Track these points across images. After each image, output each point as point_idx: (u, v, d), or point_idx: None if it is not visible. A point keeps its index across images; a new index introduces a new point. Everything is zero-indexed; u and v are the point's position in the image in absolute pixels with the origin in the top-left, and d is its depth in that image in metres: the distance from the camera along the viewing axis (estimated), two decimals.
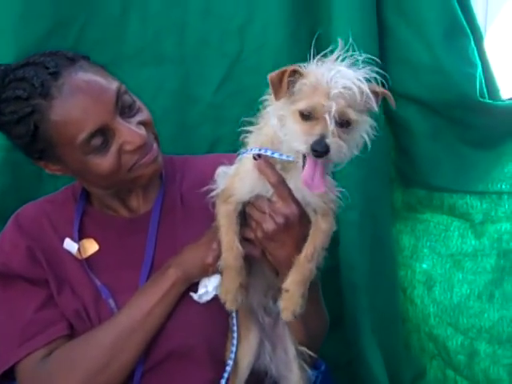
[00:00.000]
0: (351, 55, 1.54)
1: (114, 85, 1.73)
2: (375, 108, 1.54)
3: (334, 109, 1.44)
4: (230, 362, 1.80)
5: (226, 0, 2.28)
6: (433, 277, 2.33)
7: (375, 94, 1.53)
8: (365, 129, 1.56)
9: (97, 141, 1.68)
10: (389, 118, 2.36)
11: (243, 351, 1.85)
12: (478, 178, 2.22)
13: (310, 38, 2.25)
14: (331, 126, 1.45)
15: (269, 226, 1.65)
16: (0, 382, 1.79)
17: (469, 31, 2.15)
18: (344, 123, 1.49)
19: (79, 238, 1.86)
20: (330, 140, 1.45)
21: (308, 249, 1.67)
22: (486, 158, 2.21)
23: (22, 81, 1.67)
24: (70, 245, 1.84)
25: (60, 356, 1.74)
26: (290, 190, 1.64)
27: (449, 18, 2.12)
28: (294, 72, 1.51)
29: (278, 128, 1.55)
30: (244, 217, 1.72)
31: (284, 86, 1.50)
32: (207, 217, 1.76)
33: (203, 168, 1.96)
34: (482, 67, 2.18)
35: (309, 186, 1.52)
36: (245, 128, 1.70)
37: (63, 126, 1.66)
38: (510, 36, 2.73)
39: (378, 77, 1.56)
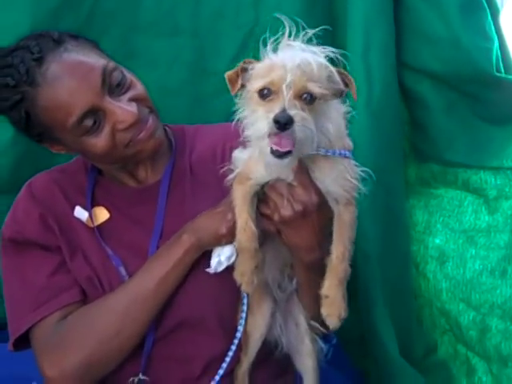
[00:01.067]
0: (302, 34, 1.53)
1: (100, 63, 1.73)
2: (342, 88, 1.51)
3: (289, 80, 1.40)
4: (239, 335, 1.82)
5: None
6: (446, 252, 2.32)
7: (341, 74, 1.50)
8: (337, 113, 1.55)
9: (88, 122, 1.70)
10: (404, 93, 2.36)
11: (256, 323, 1.87)
12: (492, 153, 2.20)
13: (326, 8, 2.29)
14: (290, 98, 1.40)
15: (286, 211, 1.65)
16: (15, 347, 1.83)
17: (486, 5, 2.14)
18: (307, 98, 1.44)
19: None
20: (293, 112, 1.40)
21: (337, 249, 1.66)
22: (501, 134, 2.19)
23: (10, 67, 1.69)
24: (80, 213, 1.88)
25: (73, 321, 1.77)
26: (310, 178, 1.63)
27: None
28: (249, 63, 1.52)
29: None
30: (263, 193, 1.71)
31: (239, 78, 1.52)
32: (216, 186, 1.79)
33: (213, 136, 2.00)
34: (498, 42, 2.16)
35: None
36: None
37: (52, 111, 1.69)
38: None
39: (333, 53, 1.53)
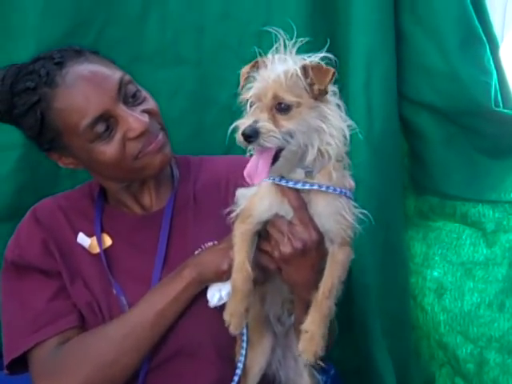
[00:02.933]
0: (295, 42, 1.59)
1: (117, 74, 1.80)
2: (306, 87, 1.53)
3: (270, 93, 1.47)
4: (239, 369, 1.83)
5: (244, 3, 2.33)
6: (443, 285, 2.35)
7: (314, 69, 1.54)
8: (318, 112, 1.54)
9: (100, 127, 1.75)
10: (403, 125, 2.40)
11: (256, 357, 1.88)
12: (490, 186, 2.24)
13: (327, 43, 2.32)
14: (264, 109, 1.48)
15: (286, 248, 1.66)
16: (14, 371, 1.85)
17: (485, 40, 2.19)
18: (284, 107, 1.48)
19: (92, 232, 1.92)
20: (260, 124, 1.46)
21: (325, 285, 1.66)
22: (499, 167, 2.23)
23: (32, 73, 1.75)
24: (83, 239, 1.91)
25: (70, 348, 1.79)
26: (310, 216, 1.64)
27: (465, 26, 2.16)
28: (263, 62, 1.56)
29: None
30: (265, 231, 1.72)
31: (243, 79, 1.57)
32: (219, 216, 1.79)
33: (218, 168, 2.02)
34: (497, 76, 2.21)
35: (251, 176, 1.51)
36: None
37: (67, 113, 1.74)
38: None
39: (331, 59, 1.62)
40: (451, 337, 2.32)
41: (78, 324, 1.85)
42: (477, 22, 2.17)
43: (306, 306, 1.72)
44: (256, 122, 1.46)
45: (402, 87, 2.33)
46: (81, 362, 1.77)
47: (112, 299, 1.85)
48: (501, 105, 2.20)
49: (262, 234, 1.72)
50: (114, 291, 1.85)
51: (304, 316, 1.69)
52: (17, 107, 1.77)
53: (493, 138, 2.24)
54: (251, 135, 1.45)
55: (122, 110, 1.77)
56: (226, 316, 1.68)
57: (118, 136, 1.77)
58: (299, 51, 1.60)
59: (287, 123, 1.48)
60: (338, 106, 1.60)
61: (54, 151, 1.87)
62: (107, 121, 1.75)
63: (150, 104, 1.87)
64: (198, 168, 2.09)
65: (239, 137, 1.47)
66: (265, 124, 1.46)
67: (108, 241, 1.93)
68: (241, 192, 1.74)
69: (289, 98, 1.48)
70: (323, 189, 1.59)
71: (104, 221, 1.97)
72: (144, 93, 1.87)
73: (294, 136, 1.50)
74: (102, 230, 1.94)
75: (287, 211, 1.64)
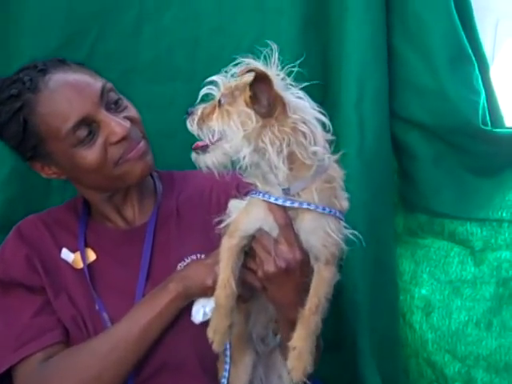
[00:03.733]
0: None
1: (99, 82, 1.83)
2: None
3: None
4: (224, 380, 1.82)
5: (237, 17, 2.33)
6: (431, 303, 2.36)
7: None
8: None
9: (82, 132, 1.76)
10: (393, 142, 2.41)
11: (238, 375, 1.86)
12: (479, 205, 2.25)
13: (319, 58, 2.34)
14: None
15: (269, 267, 1.66)
16: None
17: (474, 59, 2.21)
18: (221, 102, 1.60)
19: (76, 247, 1.93)
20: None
21: (312, 301, 1.64)
22: (488, 186, 2.25)
23: (16, 82, 1.78)
24: (66, 254, 1.91)
25: (54, 363, 1.78)
26: (295, 235, 1.63)
27: (454, 46, 2.18)
28: None
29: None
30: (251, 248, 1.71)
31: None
32: (203, 229, 1.83)
33: (202, 181, 2.03)
34: (486, 95, 2.23)
35: None
36: None
37: (49, 117, 1.76)
38: None
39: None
40: (439, 355, 2.33)
41: (63, 339, 1.84)
42: (465, 41, 2.20)
43: (291, 325, 1.71)
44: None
45: (392, 105, 2.34)
46: (65, 378, 1.76)
47: (95, 315, 1.85)
48: (489, 124, 2.22)
49: (248, 252, 1.71)
50: (97, 307, 1.85)
51: (289, 334, 1.68)
52: (0, 116, 1.78)
53: (481, 157, 2.26)
54: (188, 112, 1.65)
55: (104, 114, 1.79)
56: (210, 333, 1.66)
57: (99, 141, 1.78)
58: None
59: (215, 117, 1.59)
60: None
61: (37, 160, 1.87)
62: (89, 125, 1.77)
63: (132, 112, 1.89)
64: (182, 182, 2.10)
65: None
66: (198, 109, 1.64)
67: (92, 256, 1.94)
68: (233, 204, 1.73)
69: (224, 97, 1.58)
70: (312, 207, 1.59)
71: (88, 235, 1.97)
72: (126, 101, 1.89)
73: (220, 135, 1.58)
74: (86, 245, 1.95)
75: (272, 227, 1.64)
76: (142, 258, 1.91)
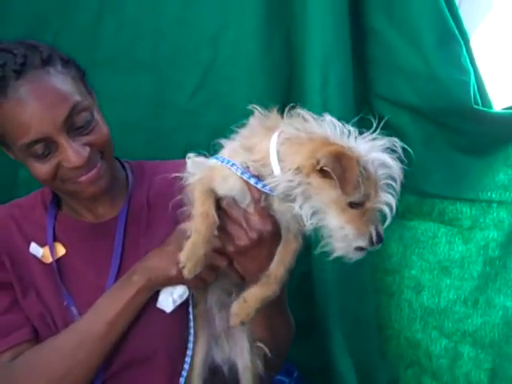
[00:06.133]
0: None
1: (73, 99, 1.72)
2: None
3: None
4: (186, 366, 1.82)
5: (200, 8, 2.31)
6: (421, 282, 2.38)
7: None
8: None
9: (37, 149, 1.70)
10: (383, 125, 2.40)
11: (198, 348, 1.87)
12: (469, 185, 2.26)
13: (283, 46, 2.32)
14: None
15: (242, 241, 1.65)
16: None
17: (460, 38, 2.18)
18: None
19: (45, 242, 1.90)
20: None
21: (278, 270, 1.66)
22: (478, 166, 2.26)
23: None
24: (35, 249, 1.88)
25: (21, 362, 1.77)
26: (267, 208, 1.63)
27: (441, 26, 2.15)
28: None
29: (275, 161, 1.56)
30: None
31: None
32: (172, 221, 1.80)
33: (171, 172, 2.00)
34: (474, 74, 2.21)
35: None
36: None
37: (9, 126, 1.69)
38: (494, 45, 2.74)
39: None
40: (426, 333, 2.37)
41: (31, 337, 1.83)
42: (451, 20, 2.17)
43: None
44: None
45: (379, 88, 2.34)
46: (32, 378, 1.76)
47: (65, 310, 1.83)
48: (479, 103, 2.19)
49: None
50: (66, 302, 1.83)
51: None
52: None
53: (471, 137, 2.25)
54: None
55: (64, 139, 1.71)
56: (183, 257, 1.61)
57: (53, 161, 1.73)
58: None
59: None
60: None
61: (4, 146, 1.82)
62: (46, 145, 1.71)
63: (98, 134, 1.79)
64: (152, 173, 2.05)
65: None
66: None
67: (61, 250, 1.91)
68: (194, 160, 1.71)
69: None
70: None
71: (57, 229, 1.94)
72: (98, 120, 1.80)
73: None
74: (55, 239, 1.92)
75: (245, 197, 1.63)
76: (114, 251, 1.89)
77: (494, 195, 2.20)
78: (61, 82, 1.72)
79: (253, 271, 1.72)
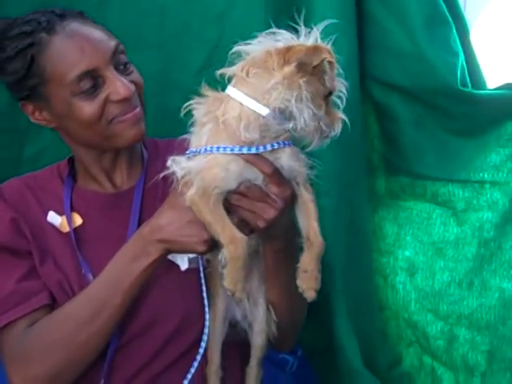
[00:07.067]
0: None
1: (114, 41, 1.83)
2: None
3: None
4: (206, 330, 1.81)
5: None
6: (415, 264, 2.38)
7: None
8: None
9: (86, 83, 1.75)
10: (373, 106, 2.42)
11: (218, 303, 1.89)
12: (460, 166, 2.27)
13: (289, 27, 2.32)
14: None
15: (270, 214, 1.64)
16: None
17: (450, 20, 2.20)
18: None
19: (62, 211, 1.92)
20: None
21: (312, 225, 1.69)
22: (469, 147, 2.26)
23: (31, 21, 1.77)
24: (53, 218, 1.90)
25: (38, 330, 1.78)
26: (282, 174, 1.63)
27: (430, 7, 2.18)
28: None
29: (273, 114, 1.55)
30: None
31: None
32: None
33: (184, 150, 2.01)
34: (465, 56, 2.23)
35: None
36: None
37: (58, 60, 1.75)
38: (496, 28, 2.78)
39: None
40: (421, 315, 2.36)
41: (49, 302, 1.84)
42: (442, 2, 2.19)
43: (279, 253, 1.81)
44: None
45: (370, 68, 2.35)
46: (49, 346, 1.76)
47: (82, 278, 1.85)
48: (469, 85, 2.21)
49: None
50: (83, 270, 1.85)
51: (275, 262, 1.81)
52: (5, 50, 1.78)
53: (462, 118, 2.25)
54: None
55: (112, 72, 1.78)
56: (229, 285, 1.63)
57: (101, 96, 1.77)
58: None
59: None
60: None
61: (31, 101, 1.86)
62: (95, 79, 1.76)
63: (137, 77, 1.89)
64: (166, 150, 2.01)
65: None
66: None
67: (78, 220, 1.93)
68: (175, 160, 1.69)
69: None
70: (286, 144, 1.63)
71: (74, 200, 1.96)
72: (133, 67, 1.90)
73: None
74: (72, 210, 1.94)
75: (257, 176, 1.62)
76: (130, 221, 1.91)
77: (486, 176, 2.21)
78: (100, 28, 1.87)
79: (275, 234, 1.76)
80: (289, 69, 1.51)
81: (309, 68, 1.52)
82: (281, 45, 1.57)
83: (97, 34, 1.82)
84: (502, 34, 2.80)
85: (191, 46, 2.36)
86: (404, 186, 2.43)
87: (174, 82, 2.39)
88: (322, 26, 1.61)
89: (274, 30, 1.62)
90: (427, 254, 2.37)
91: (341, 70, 1.60)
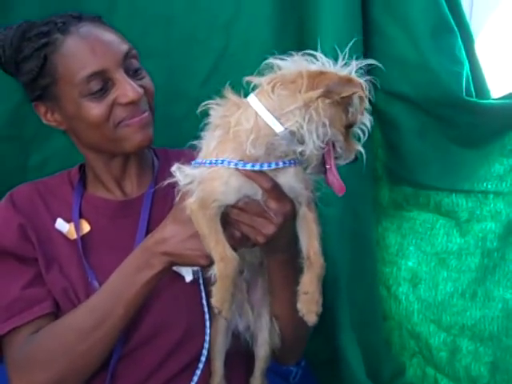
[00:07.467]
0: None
1: (126, 46, 1.87)
2: None
3: None
4: (207, 338, 1.83)
5: None
6: (418, 274, 2.38)
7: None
8: None
9: (95, 84, 1.78)
10: (377, 116, 2.40)
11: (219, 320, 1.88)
12: (464, 176, 2.26)
13: (296, 34, 2.33)
14: None
15: (269, 229, 1.64)
16: None
17: (456, 29, 2.20)
18: None
19: (70, 218, 1.93)
20: None
21: (313, 245, 1.67)
22: (473, 157, 2.25)
23: (48, 23, 1.82)
24: (61, 225, 1.91)
25: (42, 338, 1.78)
26: (282, 189, 1.63)
27: (435, 16, 2.17)
28: None
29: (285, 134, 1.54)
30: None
31: None
32: None
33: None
34: (470, 66, 2.22)
35: (340, 189, 1.61)
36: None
37: (70, 59, 1.79)
38: (501, 37, 2.79)
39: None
40: (424, 326, 2.35)
41: (53, 310, 1.84)
42: (447, 10, 2.18)
43: (282, 267, 1.80)
44: None
45: (375, 77, 2.33)
46: (52, 354, 1.76)
47: (88, 286, 1.85)
48: (473, 94, 2.20)
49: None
50: (89, 278, 1.85)
51: (278, 275, 1.80)
52: (23, 51, 1.81)
53: (466, 128, 2.25)
54: None
55: (122, 75, 1.81)
56: (217, 303, 1.61)
57: (109, 98, 1.80)
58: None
59: None
60: None
61: (44, 102, 1.88)
62: (104, 81, 1.79)
63: (148, 83, 1.91)
64: (176, 159, 2.03)
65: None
66: None
67: (86, 227, 1.94)
68: (180, 168, 1.68)
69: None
70: (292, 164, 1.61)
71: (83, 207, 1.97)
72: (144, 72, 1.92)
73: None
74: (81, 216, 1.95)
75: (256, 191, 1.62)
76: (138, 229, 1.91)
77: (489, 186, 2.20)
78: (114, 33, 1.90)
79: (276, 248, 1.76)
80: (313, 94, 1.49)
81: (336, 97, 1.51)
82: (314, 68, 1.55)
83: (110, 36, 1.85)
84: (506, 43, 2.79)
85: (197, 55, 2.36)
86: (407, 195, 2.42)
87: (180, 90, 2.39)
88: (361, 63, 1.61)
89: (312, 51, 1.59)
90: (430, 264, 2.36)
91: (369, 106, 1.59)
